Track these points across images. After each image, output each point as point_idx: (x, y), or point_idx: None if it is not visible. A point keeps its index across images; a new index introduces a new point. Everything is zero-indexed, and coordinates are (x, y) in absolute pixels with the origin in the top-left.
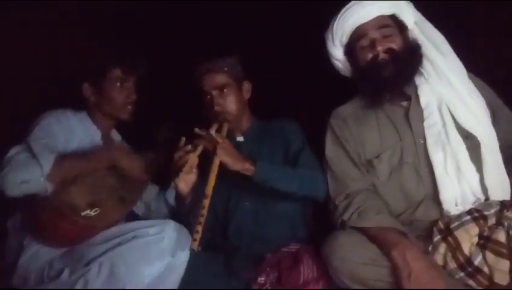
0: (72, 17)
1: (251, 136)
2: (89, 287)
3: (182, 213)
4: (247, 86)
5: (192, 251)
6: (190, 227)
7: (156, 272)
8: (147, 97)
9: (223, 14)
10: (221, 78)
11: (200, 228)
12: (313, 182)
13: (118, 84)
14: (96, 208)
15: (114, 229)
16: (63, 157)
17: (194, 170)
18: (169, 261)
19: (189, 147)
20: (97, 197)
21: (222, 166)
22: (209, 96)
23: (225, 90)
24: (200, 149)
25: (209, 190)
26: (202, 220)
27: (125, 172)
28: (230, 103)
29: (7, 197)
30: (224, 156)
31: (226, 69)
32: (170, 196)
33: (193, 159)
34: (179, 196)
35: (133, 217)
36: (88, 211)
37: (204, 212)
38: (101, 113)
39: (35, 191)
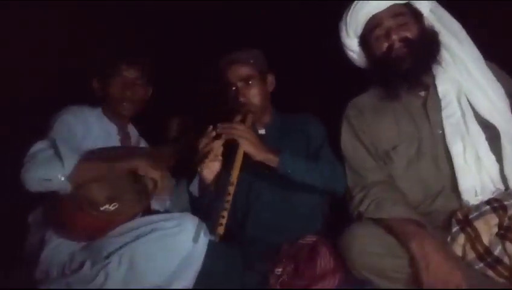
0: (74, 16)
1: (273, 130)
2: (109, 279)
3: (204, 202)
4: (270, 79)
5: (218, 235)
6: (211, 216)
7: (174, 264)
8: (159, 92)
9: (234, 7)
10: (246, 70)
11: (225, 214)
12: (334, 177)
13: (119, 80)
14: (115, 203)
15: (133, 223)
16: (85, 160)
17: (219, 158)
18: (187, 253)
19: (213, 133)
20: (116, 192)
21: (246, 156)
22: (234, 88)
23: (250, 82)
24: (224, 138)
25: (235, 177)
26: (228, 206)
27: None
28: (255, 95)
29: (28, 191)
30: (249, 146)
31: (251, 61)
32: (194, 187)
33: (218, 146)
34: (202, 184)
35: (153, 213)
36: (107, 206)
37: (230, 198)
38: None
39: (55, 189)
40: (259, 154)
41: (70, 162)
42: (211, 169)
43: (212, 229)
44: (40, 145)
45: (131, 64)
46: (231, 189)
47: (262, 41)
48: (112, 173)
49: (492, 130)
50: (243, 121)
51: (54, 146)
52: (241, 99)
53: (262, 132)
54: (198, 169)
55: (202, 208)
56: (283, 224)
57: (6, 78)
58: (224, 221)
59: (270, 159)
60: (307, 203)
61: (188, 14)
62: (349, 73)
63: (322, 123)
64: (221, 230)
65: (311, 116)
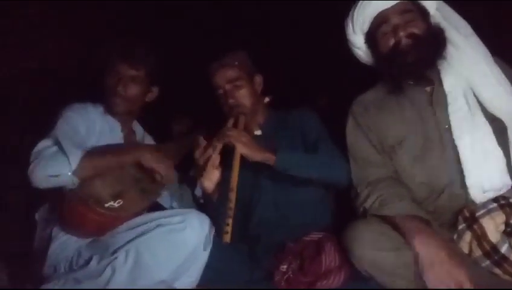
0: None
1: (268, 129)
2: (116, 274)
3: (210, 210)
4: (258, 80)
5: (225, 243)
6: (219, 222)
7: (180, 259)
8: (167, 90)
9: (238, 4)
10: (232, 72)
11: (229, 221)
12: (334, 167)
13: (113, 73)
14: (120, 200)
15: (138, 219)
16: (90, 154)
17: (218, 167)
18: (192, 249)
19: (204, 142)
20: (121, 189)
21: (243, 159)
22: (222, 91)
23: (237, 83)
24: (219, 147)
25: (234, 183)
26: (231, 213)
27: (152, 173)
28: (243, 96)
29: (35, 188)
30: (244, 149)
31: (236, 63)
32: (198, 191)
33: (214, 158)
34: (205, 194)
35: (159, 209)
36: (112, 203)
37: (232, 205)
38: None
39: (62, 184)
40: (255, 155)
41: (75, 157)
42: (211, 179)
43: (219, 234)
44: (44, 143)
45: (126, 60)
46: (232, 195)
47: (272, 40)
48: (115, 166)
49: (499, 124)
50: (235, 124)
51: (58, 143)
52: (230, 101)
53: (258, 132)
54: (198, 182)
55: (208, 213)
56: (288, 222)
57: (6, 76)
58: (229, 228)
59: (267, 157)
60: (312, 200)
61: (195, 13)
62: (356, 71)
63: (316, 115)
64: (227, 238)
65: (305, 110)
